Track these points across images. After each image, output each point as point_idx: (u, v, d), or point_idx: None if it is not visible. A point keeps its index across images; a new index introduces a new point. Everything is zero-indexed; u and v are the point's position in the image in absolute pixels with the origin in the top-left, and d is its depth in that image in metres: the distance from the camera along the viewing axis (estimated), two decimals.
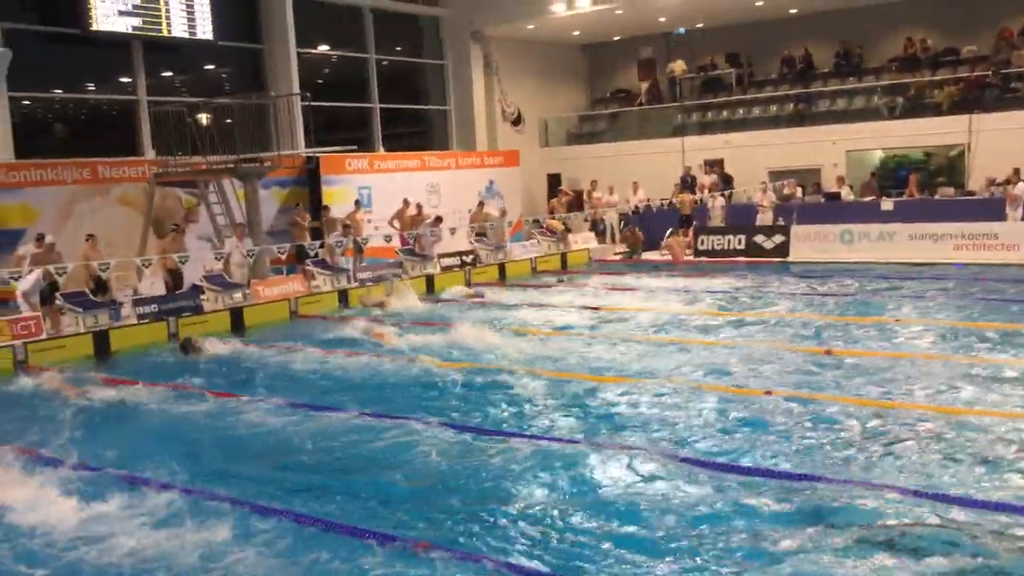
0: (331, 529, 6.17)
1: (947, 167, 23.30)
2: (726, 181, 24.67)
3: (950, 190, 21.50)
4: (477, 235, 21.48)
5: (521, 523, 6.17)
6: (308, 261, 17.67)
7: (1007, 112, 21.57)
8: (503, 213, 23.33)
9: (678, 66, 28.18)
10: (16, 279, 13.62)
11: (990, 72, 22.72)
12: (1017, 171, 19.38)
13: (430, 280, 18.97)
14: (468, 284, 19.12)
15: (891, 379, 9.35)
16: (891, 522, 5.85)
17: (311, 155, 20.15)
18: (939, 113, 22.73)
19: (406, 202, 20.70)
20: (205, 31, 19.74)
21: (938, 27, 24.86)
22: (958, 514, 5.91)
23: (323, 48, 24.05)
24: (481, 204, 22.20)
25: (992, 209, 19.32)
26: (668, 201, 23.98)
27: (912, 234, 19.38)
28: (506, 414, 8.89)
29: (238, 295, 15.89)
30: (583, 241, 23.43)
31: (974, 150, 21.83)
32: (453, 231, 20.77)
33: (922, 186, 21.92)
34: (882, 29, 25.65)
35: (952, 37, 24.83)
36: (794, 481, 6.61)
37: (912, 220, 19.70)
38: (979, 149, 21.66)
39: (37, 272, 13.60)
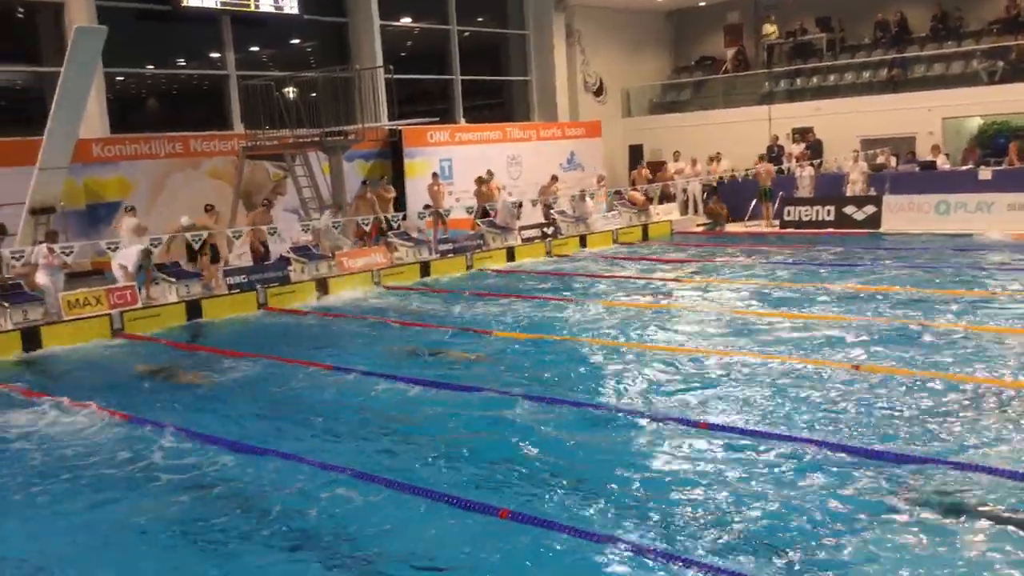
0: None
1: None
2: (815, 150, 23.99)
3: None
4: (555, 211, 21.35)
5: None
6: (391, 233, 17.86)
7: None
8: (600, 180, 23.44)
9: (772, 29, 27.36)
10: (114, 249, 14.09)
11: None
12: None
13: (511, 252, 18.99)
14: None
15: None
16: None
17: (394, 128, 20.31)
18: None
19: (489, 173, 20.76)
20: (291, 5, 20.00)
21: None
22: None
23: (405, 20, 24.14)
24: (554, 178, 21.99)
25: None
26: (751, 172, 23.48)
27: (1012, 204, 18.56)
28: None
29: (323, 267, 16.19)
30: (665, 213, 23.12)
31: None
32: (534, 203, 20.76)
33: (1022, 154, 20.90)
34: None
35: None
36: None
37: (1011, 190, 18.85)
38: None
39: (138, 247, 14.04)
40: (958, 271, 14.19)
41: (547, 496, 6.21)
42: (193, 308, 14.10)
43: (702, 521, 5.68)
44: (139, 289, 13.97)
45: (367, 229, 17.49)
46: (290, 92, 18.65)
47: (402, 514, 6.07)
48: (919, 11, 25.49)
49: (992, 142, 22.51)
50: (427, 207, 18.82)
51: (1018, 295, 12.00)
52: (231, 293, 14.75)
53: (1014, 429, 6.95)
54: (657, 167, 25.82)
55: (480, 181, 20.48)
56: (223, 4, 19.04)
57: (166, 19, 18.76)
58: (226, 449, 7.54)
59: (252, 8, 19.51)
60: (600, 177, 23.79)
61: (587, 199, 21.61)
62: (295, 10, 20.11)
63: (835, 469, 6.36)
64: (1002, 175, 19.75)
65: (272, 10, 19.83)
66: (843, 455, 6.60)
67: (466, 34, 24.94)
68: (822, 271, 15.11)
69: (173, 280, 14.53)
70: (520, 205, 20.32)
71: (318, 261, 16.21)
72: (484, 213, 19.95)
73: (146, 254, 14.04)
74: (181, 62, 20.65)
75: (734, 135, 25.17)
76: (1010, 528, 5.35)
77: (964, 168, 20.84)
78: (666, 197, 24.26)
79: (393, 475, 6.69)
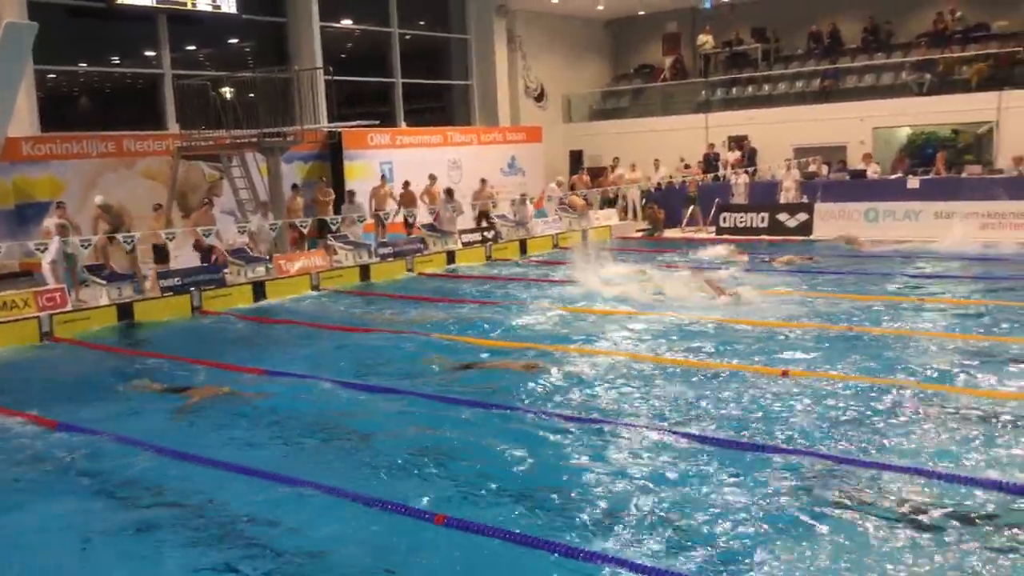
0: None
1: (975, 145, 22.97)
2: (751, 158, 24.49)
3: (977, 168, 21.17)
4: (496, 215, 21.43)
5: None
6: (330, 236, 17.74)
7: None
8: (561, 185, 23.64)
9: (708, 40, 27.84)
10: (42, 251, 13.77)
11: (1021, 48, 22.31)
12: None
13: (451, 256, 19.00)
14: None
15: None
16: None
17: (333, 130, 20.19)
18: (968, 90, 22.36)
19: (432, 178, 20.77)
20: (229, 5, 19.74)
21: (969, 2, 24.42)
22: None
23: (346, 22, 24.00)
24: (483, 182, 22.00)
25: (1020, 188, 19.05)
26: (687, 178, 23.92)
27: (938, 212, 19.16)
28: None
29: (260, 269, 16.02)
30: (604, 218, 23.36)
31: (1003, 128, 21.50)
32: (473, 208, 20.84)
33: (949, 164, 21.61)
34: (911, 4, 25.28)
35: (983, 12, 24.39)
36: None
37: (938, 198, 19.47)
38: (1008, 126, 21.34)
39: (57, 239, 13.75)
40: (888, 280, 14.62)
41: (482, 501, 6.23)
42: (125, 311, 13.83)
43: (632, 522, 5.77)
44: (68, 291, 13.67)
45: (304, 232, 17.34)
46: (227, 92, 18.42)
47: (335, 518, 6.05)
48: (851, 23, 26.17)
49: (920, 152, 23.25)
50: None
51: (937, 301, 12.41)
52: (164, 296, 14.50)
53: (932, 430, 7.19)
54: (597, 173, 26.10)
55: (406, 185, 20.41)
56: (159, 2, 18.72)
57: (100, 16, 18.40)
58: (153, 453, 7.45)
59: (189, 7, 19.22)
60: (559, 183, 24.01)
61: (527, 203, 21.74)
62: (233, 9, 19.86)
63: (758, 468, 6.52)
64: (929, 184, 20.38)
65: (209, 9, 19.56)
66: (767, 455, 6.77)
67: (408, 37, 24.90)
68: (761, 275, 15.37)
69: (103, 283, 14.24)
70: (461, 207, 20.39)
71: (255, 264, 16.03)
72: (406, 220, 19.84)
73: (67, 254, 13.80)
74: (115, 60, 20.25)
75: (672, 142, 25.54)
76: (925, 525, 5.55)
77: (893, 177, 21.46)
78: (606, 203, 24.52)
79: (326, 479, 6.65)
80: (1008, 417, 7.37)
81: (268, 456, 7.34)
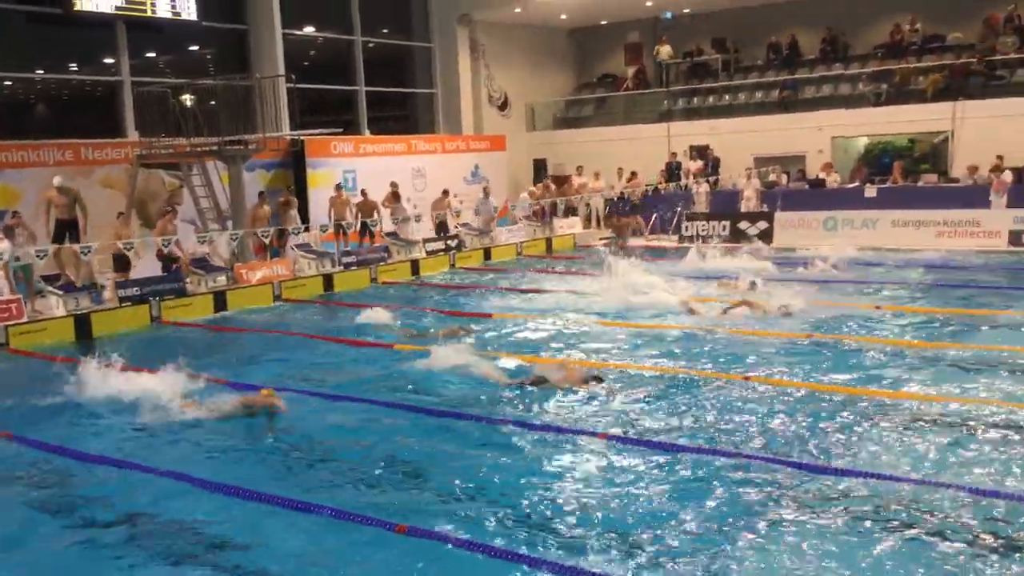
0: None
1: (931, 154, 23.40)
2: (714, 167, 24.73)
3: (933, 177, 21.59)
4: (459, 224, 21.47)
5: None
6: (293, 245, 17.62)
7: (991, 100, 21.64)
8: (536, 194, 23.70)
9: (665, 50, 28.15)
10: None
11: (975, 59, 22.79)
12: (1001, 158, 19.53)
13: (415, 265, 18.96)
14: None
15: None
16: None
17: (296, 138, 20.07)
18: (924, 100, 22.77)
19: (393, 186, 20.72)
20: (189, 11, 19.54)
21: (924, 14, 24.88)
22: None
23: (308, 30, 23.90)
24: (445, 192, 22.02)
25: (975, 196, 19.43)
26: (653, 187, 24.13)
27: (895, 221, 19.49)
28: None
29: (221, 278, 15.86)
30: (568, 226, 23.46)
31: (958, 137, 21.92)
32: (435, 217, 20.84)
33: (906, 173, 22.00)
34: (868, 16, 25.70)
35: (938, 24, 24.87)
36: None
37: (895, 207, 19.81)
38: (963, 136, 21.76)
39: (7, 244, 13.54)
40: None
41: (444, 510, 6.22)
42: (82, 322, 13.62)
43: (585, 527, 5.80)
44: (24, 302, 13.44)
45: (266, 242, 17.20)
46: (187, 100, 18.24)
47: (296, 529, 6.00)
48: (809, 34, 26.55)
49: (877, 161, 23.63)
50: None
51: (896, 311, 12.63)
52: (123, 306, 14.30)
53: (890, 437, 7.30)
54: (561, 181, 26.18)
55: (364, 194, 20.35)
56: (118, 9, 18.48)
57: (58, 23, 18.11)
58: (108, 467, 7.36)
59: (148, 14, 18.98)
60: (531, 192, 24.11)
61: (490, 197, 21.88)
62: (193, 16, 19.66)
63: (720, 475, 6.59)
64: (886, 193, 20.74)
65: (169, 16, 19.33)
66: (724, 459, 6.86)
67: (371, 45, 24.85)
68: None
69: (60, 293, 14.02)
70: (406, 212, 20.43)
71: (216, 273, 15.88)
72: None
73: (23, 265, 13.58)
74: (73, 67, 19.97)
75: (635, 151, 25.72)
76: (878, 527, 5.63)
77: (851, 186, 21.80)
78: (570, 211, 24.63)
79: (288, 492, 6.60)
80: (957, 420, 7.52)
81: (225, 467, 7.27)
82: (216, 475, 7.00)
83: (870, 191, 20.92)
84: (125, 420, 8.67)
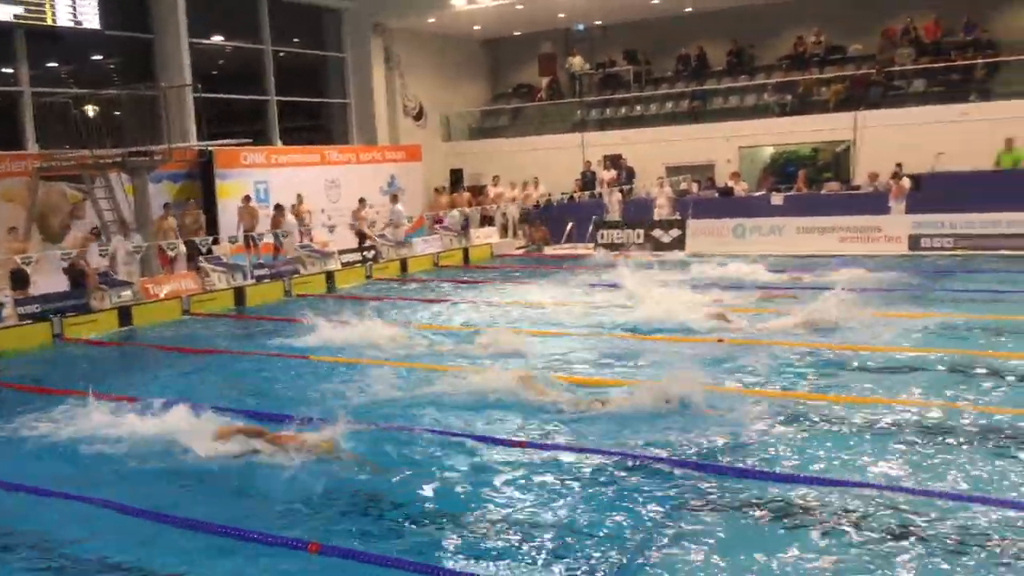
0: None
1: (833, 163, 24.21)
2: (629, 176, 25.12)
3: (836, 185, 22.32)
4: (376, 234, 21.35)
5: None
6: (201, 258, 17.24)
7: (890, 109, 22.53)
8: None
9: (576, 61, 28.50)
10: None
11: (874, 71, 23.68)
12: (899, 166, 20.31)
13: (330, 276, 18.75)
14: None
15: None
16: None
17: (204, 148, 19.66)
18: (826, 110, 23.56)
19: (299, 198, 20.52)
20: (91, 20, 18.99)
21: (826, 26, 25.75)
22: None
23: (217, 39, 23.47)
24: (361, 201, 21.94)
25: (875, 203, 20.17)
26: (569, 196, 24.39)
27: (800, 227, 20.08)
28: None
29: (127, 293, 15.42)
30: (485, 236, 23.53)
31: (859, 146, 22.72)
32: (352, 227, 20.69)
33: (810, 181, 22.70)
34: (772, 28, 26.45)
35: (840, 36, 25.76)
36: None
37: (800, 214, 20.42)
38: (863, 145, 22.56)
39: None
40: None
41: (354, 528, 6.16)
42: None
43: (505, 535, 5.82)
44: None
45: (172, 255, 16.80)
46: (90, 110, 17.72)
47: (203, 552, 5.86)
48: (717, 47, 27.21)
49: (783, 170, 24.34)
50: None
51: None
52: (23, 324, 13.78)
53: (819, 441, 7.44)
54: (477, 191, 26.29)
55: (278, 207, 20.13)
56: (16, 17, 17.86)
57: None
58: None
59: (49, 22, 18.38)
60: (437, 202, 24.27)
61: (398, 204, 21.88)
62: (96, 25, 19.10)
63: (637, 479, 6.67)
64: (792, 200, 21.37)
65: (71, 24, 18.76)
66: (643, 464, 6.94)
67: (282, 54, 24.53)
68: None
69: None
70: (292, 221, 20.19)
71: (120, 288, 15.42)
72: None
73: None
74: None
75: (550, 161, 25.95)
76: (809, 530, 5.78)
77: (758, 194, 22.40)
78: (486, 220, 24.72)
79: (192, 511, 6.44)
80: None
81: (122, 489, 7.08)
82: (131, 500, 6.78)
83: (776, 199, 21.53)
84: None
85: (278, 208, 19.86)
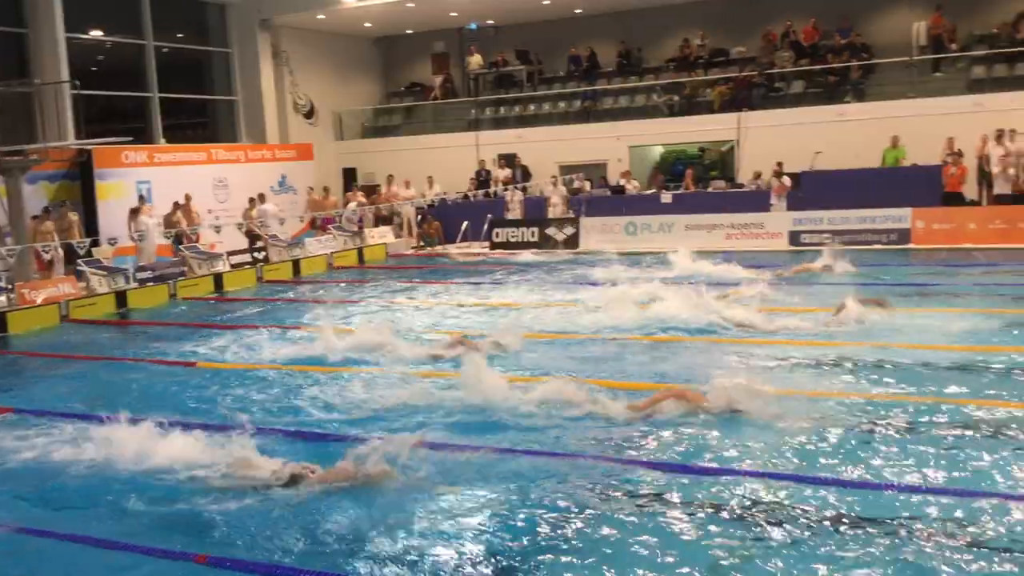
0: None
1: (719, 162, 24.94)
2: (525, 175, 25.28)
3: (722, 183, 22.99)
4: (268, 235, 20.92)
5: None
6: (81, 261, 16.56)
7: (771, 110, 23.32)
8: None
9: (475, 60, 28.50)
10: None
11: (756, 73, 24.47)
12: (780, 165, 21.06)
13: (219, 279, 18.27)
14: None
15: None
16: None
17: (82, 147, 18.87)
18: (711, 111, 24.23)
19: (187, 197, 19.95)
20: None
21: (711, 30, 26.46)
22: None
23: (96, 33, 22.56)
24: (252, 201, 21.50)
25: (758, 201, 20.88)
26: (463, 195, 24.41)
27: (688, 224, 20.62)
28: None
29: (1, 299, 14.70)
30: (379, 236, 23.34)
31: (743, 146, 23.45)
32: (239, 226, 20.20)
33: (697, 180, 23.31)
34: (660, 31, 27.03)
35: (724, 39, 26.51)
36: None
37: (689, 211, 20.96)
38: (747, 145, 23.29)
39: None
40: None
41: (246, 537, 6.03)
42: None
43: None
44: None
45: (48, 258, 16.10)
46: None
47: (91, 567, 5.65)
48: (606, 47, 27.64)
49: (672, 169, 24.94)
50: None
51: None
52: None
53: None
54: (371, 190, 26.04)
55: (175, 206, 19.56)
56: None
57: None
58: None
59: None
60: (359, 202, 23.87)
61: (268, 204, 21.73)
62: None
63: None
64: (680, 199, 21.91)
65: None
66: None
67: (165, 50, 23.75)
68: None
69: None
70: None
71: None
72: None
73: None
74: None
75: (445, 160, 25.90)
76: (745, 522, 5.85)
77: (648, 192, 22.89)
78: (380, 220, 24.52)
79: (82, 528, 6.20)
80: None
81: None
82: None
83: (666, 197, 22.03)
84: None
85: (133, 210, 18.91)
